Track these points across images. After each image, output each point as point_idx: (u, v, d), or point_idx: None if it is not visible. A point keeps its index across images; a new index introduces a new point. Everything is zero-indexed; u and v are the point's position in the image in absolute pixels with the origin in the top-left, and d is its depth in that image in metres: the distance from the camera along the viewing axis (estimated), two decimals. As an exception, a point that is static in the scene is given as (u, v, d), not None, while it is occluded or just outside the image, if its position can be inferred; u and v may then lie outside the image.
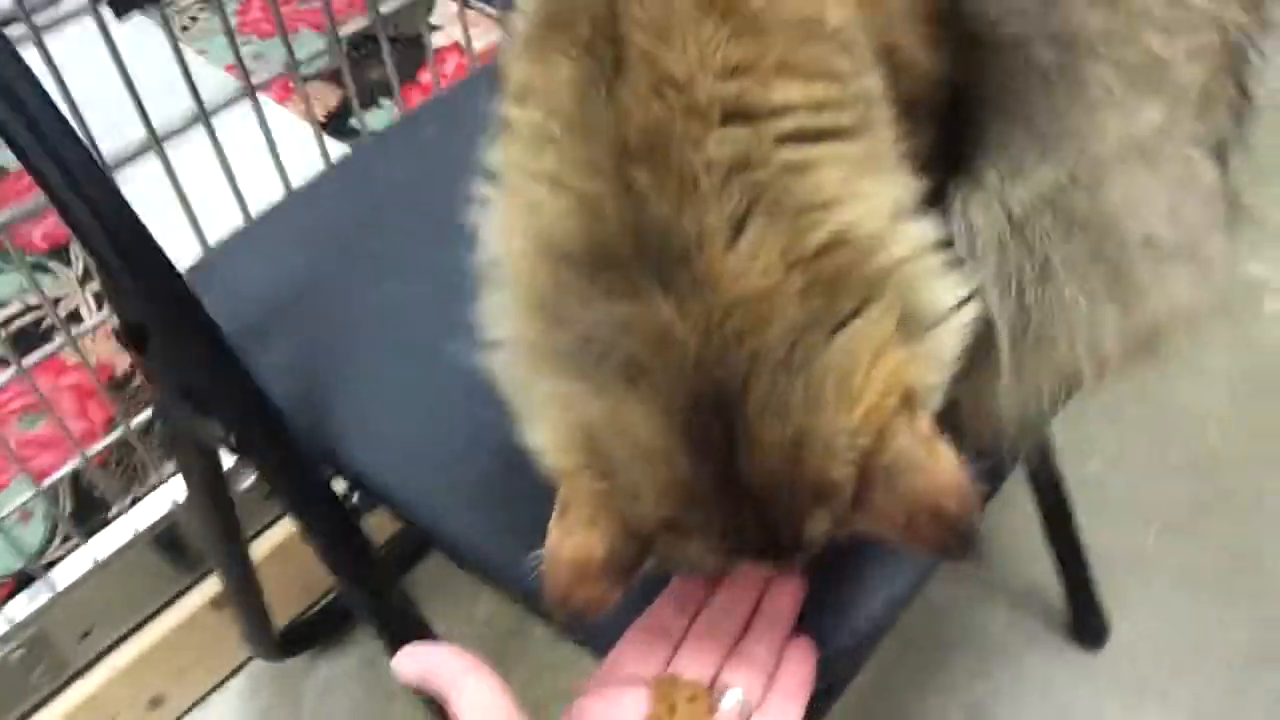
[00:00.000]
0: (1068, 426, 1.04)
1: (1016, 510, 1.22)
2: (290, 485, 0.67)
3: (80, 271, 1.29)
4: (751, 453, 0.45)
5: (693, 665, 0.55)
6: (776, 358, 0.44)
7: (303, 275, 0.77)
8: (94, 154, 0.64)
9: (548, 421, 0.49)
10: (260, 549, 1.15)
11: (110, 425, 1.13)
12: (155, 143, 0.89)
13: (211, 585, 1.14)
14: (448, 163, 0.78)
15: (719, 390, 0.44)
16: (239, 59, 0.93)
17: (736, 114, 0.44)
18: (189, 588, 1.14)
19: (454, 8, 1.52)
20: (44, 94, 0.56)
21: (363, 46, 1.44)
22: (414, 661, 0.53)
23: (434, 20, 1.58)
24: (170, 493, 1.09)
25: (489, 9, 1.50)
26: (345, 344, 0.73)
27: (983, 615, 1.19)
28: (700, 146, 0.44)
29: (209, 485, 0.83)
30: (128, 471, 1.13)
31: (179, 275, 0.62)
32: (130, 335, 0.66)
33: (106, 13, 0.88)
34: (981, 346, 0.51)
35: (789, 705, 0.55)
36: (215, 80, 1.36)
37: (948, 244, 0.48)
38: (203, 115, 0.92)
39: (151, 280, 0.61)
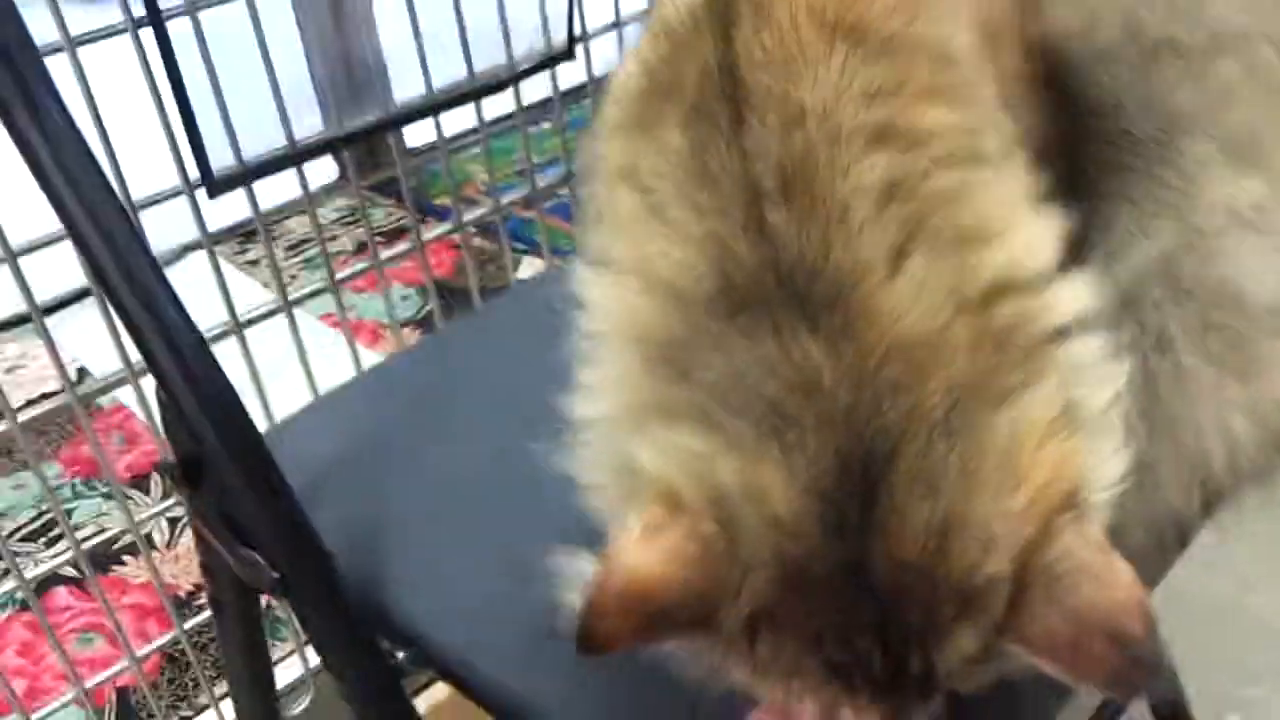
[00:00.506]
0: (1197, 675, 0.95)
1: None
2: (335, 632, 0.63)
3: (159, 499, 1.31)
4: (890, 536, 0.38)
5: None
6: (935, 418, 0.38)
7: (365, 439, 0.76)
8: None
9: (665, 472, 0.41)
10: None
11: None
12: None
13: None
14: (518, 346, 0.81)
15: (868, 453, 0.38)
16: (340, 306, 0.99)
17: (885, 138, 0.41)
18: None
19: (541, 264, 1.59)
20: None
21: (449, 296, 1.51)
22: None
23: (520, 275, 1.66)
24: (218, 715, 1.04)
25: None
26: (401, 504, 0.71)
27: None
28: (849, 174, 0.40)
29: (251, 662, 0.78)
30: (178, 691, 1.08)
31: (239, 402, 0.61)
32: (184, 469, 0.65)
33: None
34: None
35: None
36: (310, 326, 1.44)
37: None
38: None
39: (212, 404, 0.61)
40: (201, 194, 0.84)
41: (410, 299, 1.52)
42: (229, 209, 1.00)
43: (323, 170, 1.55)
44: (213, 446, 0.61)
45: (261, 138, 0.86)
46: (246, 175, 0.83)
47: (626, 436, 0.43)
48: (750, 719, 0.52)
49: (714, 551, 0.39)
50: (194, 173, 0.83)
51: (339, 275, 0.97)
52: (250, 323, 0.93)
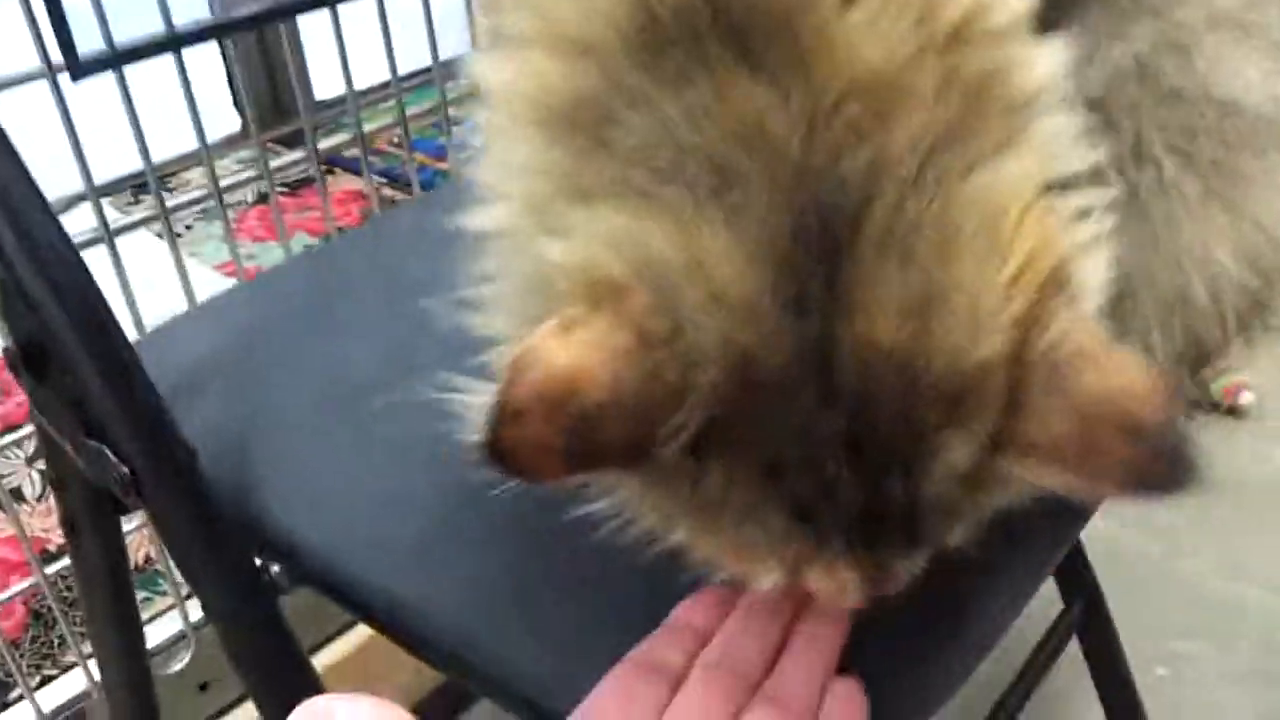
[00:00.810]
0: (1128, 630, 0.93)
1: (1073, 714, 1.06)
2: (194, 536, 0.55)
3: (30, 453, 1.20)
4: (860, 313, 0.32)
5: (698, 710, 0.41)
6: (905, 172, 0.32)
7: (242, 340, 0.68)
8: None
9: (584, 260, 0.34)
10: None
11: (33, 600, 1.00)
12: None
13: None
14: (413, 250, 0.74)
15: (828, 213, 0.32)
16: (235, 252, 0.93)
17: None
18: (96, 798, 0.96)
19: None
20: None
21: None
22: (308, 713, 0.37)
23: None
24: (86, 674, 0.94)
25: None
26: (280, 406, 0.63)
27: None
28: None
29: (114, 596, 0.69)
30: (41, 649, 0.98)
31: (86, 272, 0.54)
32: (25, 355, 0.57)
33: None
34: None
35: None
36: (206, 278, 1.35)
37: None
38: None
39: (53, 269, 0.53)
40: (65, 79, 0.75)
41: (314, 248, 1.44)
42: (119, 160, 0.92)
43: (224, 124, 1.47)
44: (54, 318, 0.53)
45: (135, 22, 0.78)
46: (116, 59, 0.74)
47: (534, 241, 0.36)
48: (674, 611, 0.46)
49: (651, 341, 0.32)
50: (56, 55, 0.74)
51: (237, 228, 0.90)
52: (120, 230, 0.84)
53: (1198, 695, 1.09)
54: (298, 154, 1.31)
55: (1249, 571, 1.20)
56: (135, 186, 1.68)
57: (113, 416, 0.54)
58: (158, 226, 0.89)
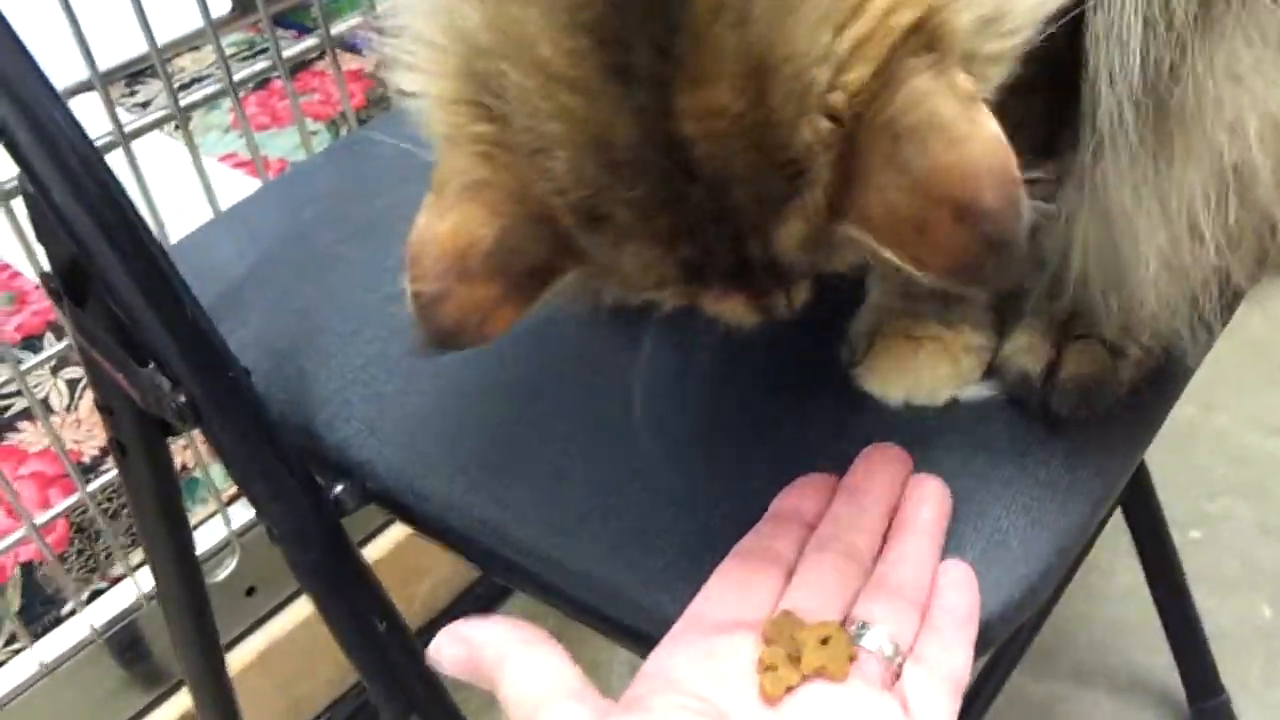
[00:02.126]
0: (1164, 493, 0.92)
1: (1111, 583, 1.07)
2: (256, 459, 0.54)
3: (54, 361, 1.19)
4: (695, 78, 0.30)
5: (815, 598, 0.41)
6: None
7: (279, 247, 0.66)
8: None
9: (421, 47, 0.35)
10: (239, 659, 1.00)
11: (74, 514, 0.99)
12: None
13: (181, 702, 0.98)
14: None
15: None
16: (254, 147, 0.89)
17: None
18: (154, 703, 0.98)
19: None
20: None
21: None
22: (455, 644, 0.40)
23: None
24: (136, 586, 0.95)
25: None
26: (327, 313, 0.62)
27: (1085, 708, 1.01)
28: None
29: (165, 512, 0.69)
30: (88, 563, 0.99)
31: (124, 192, 0.51)
32: (65, 279, 0.55)
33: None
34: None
35: (952, 648, 0.40)
36: (212, 171, 1.31)
37: None
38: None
39: (91, 194, 0.50)
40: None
41: (320, 134, 1.39)
42: (114, 47, 0.87)
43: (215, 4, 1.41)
44: (96, 246, 0.51)
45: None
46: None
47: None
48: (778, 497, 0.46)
49: (505, 168, 0.34)
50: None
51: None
52: (137, 134, 0.81)
53: (1234, 555, 1.10)
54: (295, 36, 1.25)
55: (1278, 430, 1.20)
56: (130, 75, 1.63)
57: (163, 342, 0.52)
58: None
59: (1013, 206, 0.29)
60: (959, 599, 0.42)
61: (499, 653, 0.39)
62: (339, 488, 0.56)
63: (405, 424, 0.56)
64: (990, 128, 0.30)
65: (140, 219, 0.52)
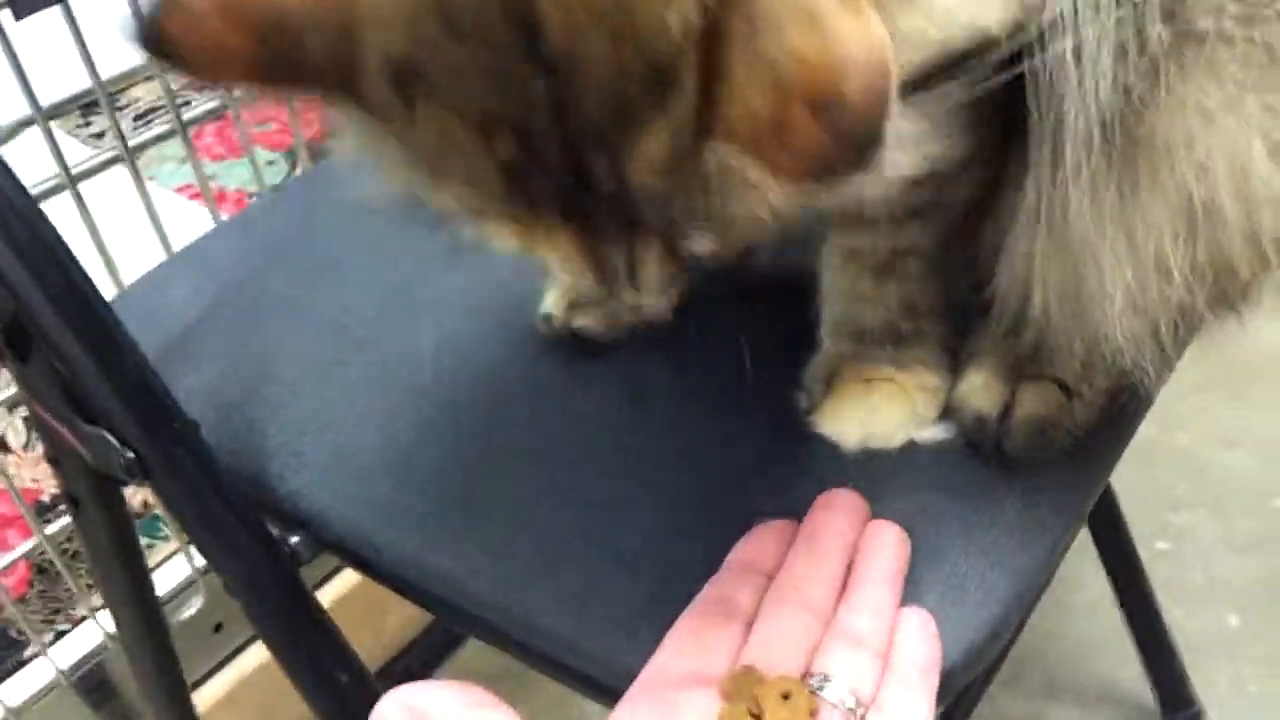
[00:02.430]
0: (1129, 506, 0.93)
1: (1079, 597, 1.07)
2: (209, 517, 0.53)
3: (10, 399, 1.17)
4: None
5: (775, 651, 0.41)
6: None
7: (230, 291, 0.65)
8: None
9: None
10: (208, 697, 0.99)
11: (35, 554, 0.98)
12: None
13: (148, 742, 0.96)
14: None
15: None
16: (204, 183, 0.88)
17: None
18: (121, 745, 0.97)
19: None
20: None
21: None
22: (400, 711, 0.40)
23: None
24: (99, 627, 0.93)
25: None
26: (279, 360, 0.61)
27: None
28: None
29: (124, 563, 0.68)
30: (50, 604, 0.97)
31: (64, 245, 0.50)
32: (7, 335, 0.53)
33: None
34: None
35: (914, 697, 0.40)
36: (168, 203, 1.29)
37: None
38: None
39: (30, 248, 0.49)
40: (7, 15, 0.70)
41: (276, 164, 1.38)
42: (65, 79, 0.86)
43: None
44: (35, 303, 0.50)
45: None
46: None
47: None
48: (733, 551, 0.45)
49: None
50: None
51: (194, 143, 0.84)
52: (84, 175, 0.80)
53: (1199, 567, 1.11)
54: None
55: (1244, 441, 1.21)
56: (83, 106, 1.61)
57: (108, 398, 0.51)
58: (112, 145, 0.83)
59: (878, 100, 0.26)
60: (919, 648, 0.42)
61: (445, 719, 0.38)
62: (294, 539, 0.56)
63: (358, 474, 0.55)
64: (866, 21, 0.27)
65: (82, 273, 0.51)
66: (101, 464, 0.53)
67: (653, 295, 0.34)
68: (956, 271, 0.50)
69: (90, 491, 0.61)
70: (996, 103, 0.40)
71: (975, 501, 0.48)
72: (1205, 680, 1.00)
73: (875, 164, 0.27)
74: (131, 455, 0.52)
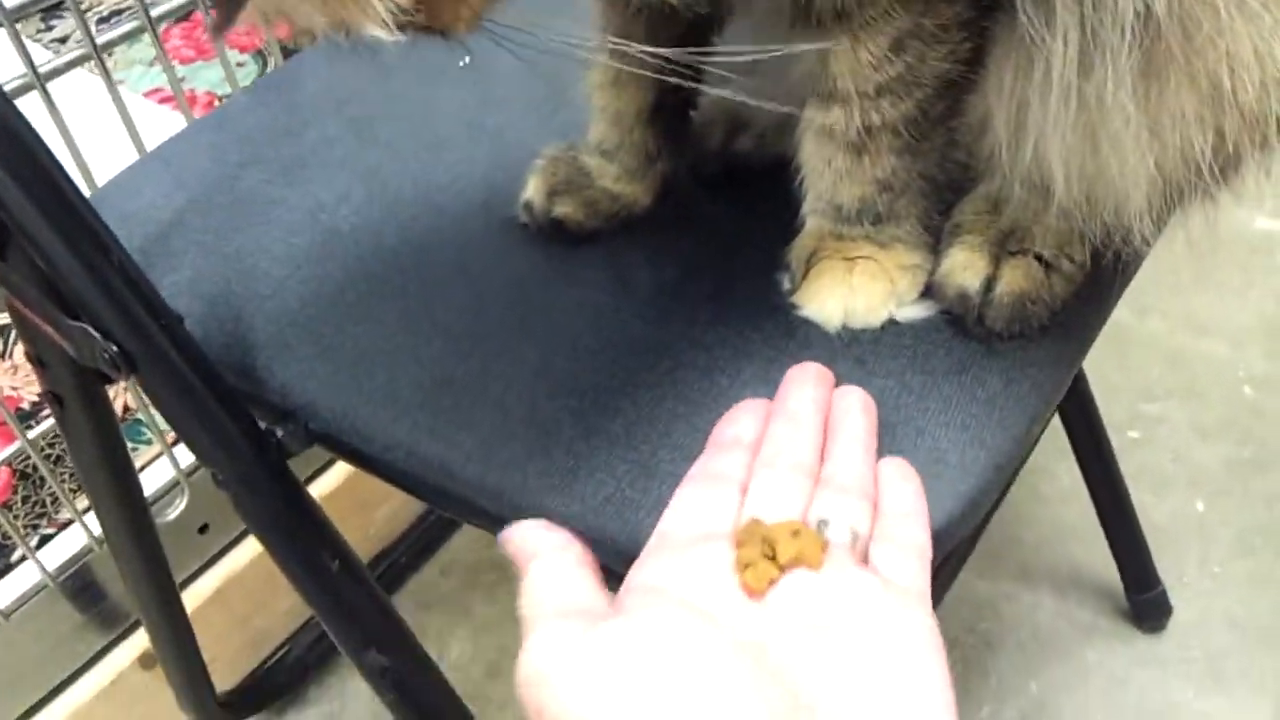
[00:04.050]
0: (1101, 396, 0.94)
1: (1053, 485, 1.10)
2: (196, 411, 0.53)
3: (-17, 308, 1.16)
4: None
5: (774, 506, 0.42)
6: None
7: (208, 187, 0.65)
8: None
9: None
10: (195, 596, 1.00)
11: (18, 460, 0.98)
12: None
13: (139, 641, 0.98)
14: (375, 68, 0.70)
15: None
16: (175, 84, 0.85)
17: None
18: (112, 644, 0.98)
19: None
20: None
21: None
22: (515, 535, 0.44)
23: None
24: (85, 530, 0.94)
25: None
26: (261, 254, 0.61)
27: (1028, 606, 1.05)
28: None
29: (108, 462, 0.68)
30: (35, 508, 0.98)
31: (39, 139, 0.49)
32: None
33: None
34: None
35: (910, 526, 0.42)
36: (138, 107, 1.27)
37: None
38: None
39: (6, 153, 0.48)
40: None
41: (247, 66, 1.35)
42: None
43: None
44: (12, 199, 0.49)
45: None
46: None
47: None
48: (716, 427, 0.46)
49: None
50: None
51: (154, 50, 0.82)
52: (52, 75, 0.78)
53: (1169, 453, 1.14)
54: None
55: (1215, 328, 1.22)
56: (46, 10, 1.56)
57: (90, 293, 0.51)
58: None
59: None
60: (904, 486, 0.44)
61: (531, 550, 0.42)
62: (282, 431, 0.56)
63: (346, 365, 0.55)
64: None
65: (59, 167, 0.50)
66: (86, 359, 0.53)
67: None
68: (936, 149, 0.50)
69: (74, 389, 0.61)
70: None
71: (956, 379, 0.49)
72: (1173, 563, 1.03)
73: None
74: (116, 349, 0.52)
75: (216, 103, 1.31)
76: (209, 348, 0.56)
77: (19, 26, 0.85)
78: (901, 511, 0.43)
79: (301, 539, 0.57)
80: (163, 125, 0.82)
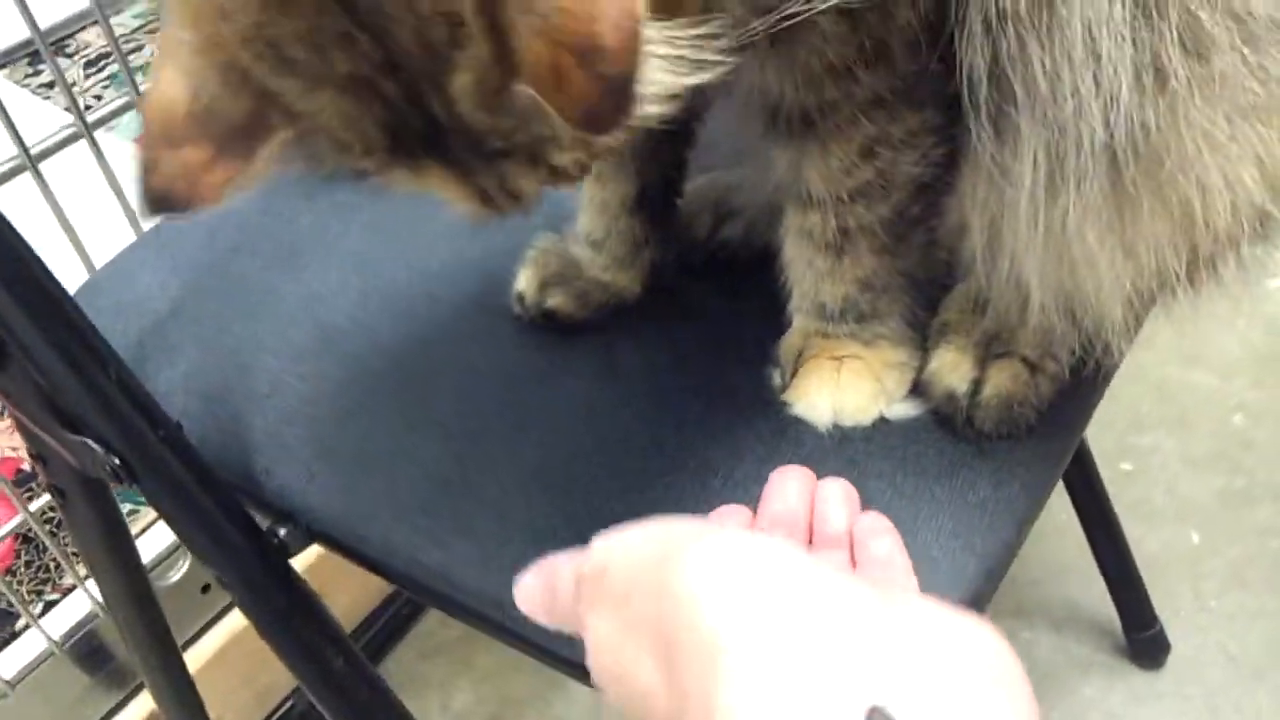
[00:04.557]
0: (1093, 429, 0.95)
1: (1048, 520, 1.10)
2: (198, 518, 0.54)
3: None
4: None
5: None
6: None
7: (207, 275, 0.65)
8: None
9: None
10: (200, 655, 1.00)
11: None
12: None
13: (145, 703, 0.98)
14: None
15: None
16: None
17: None
18: (121, 705, 0.98)
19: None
20: None
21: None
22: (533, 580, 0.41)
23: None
24: (88, 596, 0.94)
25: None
26: (261, 348, 0.61)
27: (1025, 643, 1.05)
28: None
29: (112, 549, 0.69)
30: (39, 574, 0.98)
31: (31, 251, 0.50)
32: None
33: None
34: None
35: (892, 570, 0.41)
36: (126, 154, 1.27)
37: None
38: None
39: (5, 267, 0.49)
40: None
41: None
42: (9, 27, 0.83)
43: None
44: (6, 309, 0.50)
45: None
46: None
47: None
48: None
49: (210, 30, 0.34)
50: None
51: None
52: (44, 155, 0.78)
53: (1162, 485, 1.14)
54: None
55: (1204, 358, 1.23)
56: (32, 54, 1.56)
57: (90, 409, 0.52)
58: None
59: (630, 44, 0.30)
60: (881, 534, 0.43)
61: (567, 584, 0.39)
62: (283, 531, 0.57)
63: (344, 466, 0.56)
64: None
65: (54, 280, 0.51)
66: (88, 469, 0.53)
67: (529, 210, 0.38)
68: (916, 248, 0.51)
69: (76, 486, 0.62)
70: (933, 89, 0.43)
71: (947, 482, 0.49)
72: (1168, 595, 1.04)
73: (635, 105, 0.30)
74: (117, 461, 0.52)
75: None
76: (207, 448, 0.57)
77: (5, 73, 0.85)
78: (882, 561, 0.42)
79: (305, 637, 0.58)
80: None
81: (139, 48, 1.53)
